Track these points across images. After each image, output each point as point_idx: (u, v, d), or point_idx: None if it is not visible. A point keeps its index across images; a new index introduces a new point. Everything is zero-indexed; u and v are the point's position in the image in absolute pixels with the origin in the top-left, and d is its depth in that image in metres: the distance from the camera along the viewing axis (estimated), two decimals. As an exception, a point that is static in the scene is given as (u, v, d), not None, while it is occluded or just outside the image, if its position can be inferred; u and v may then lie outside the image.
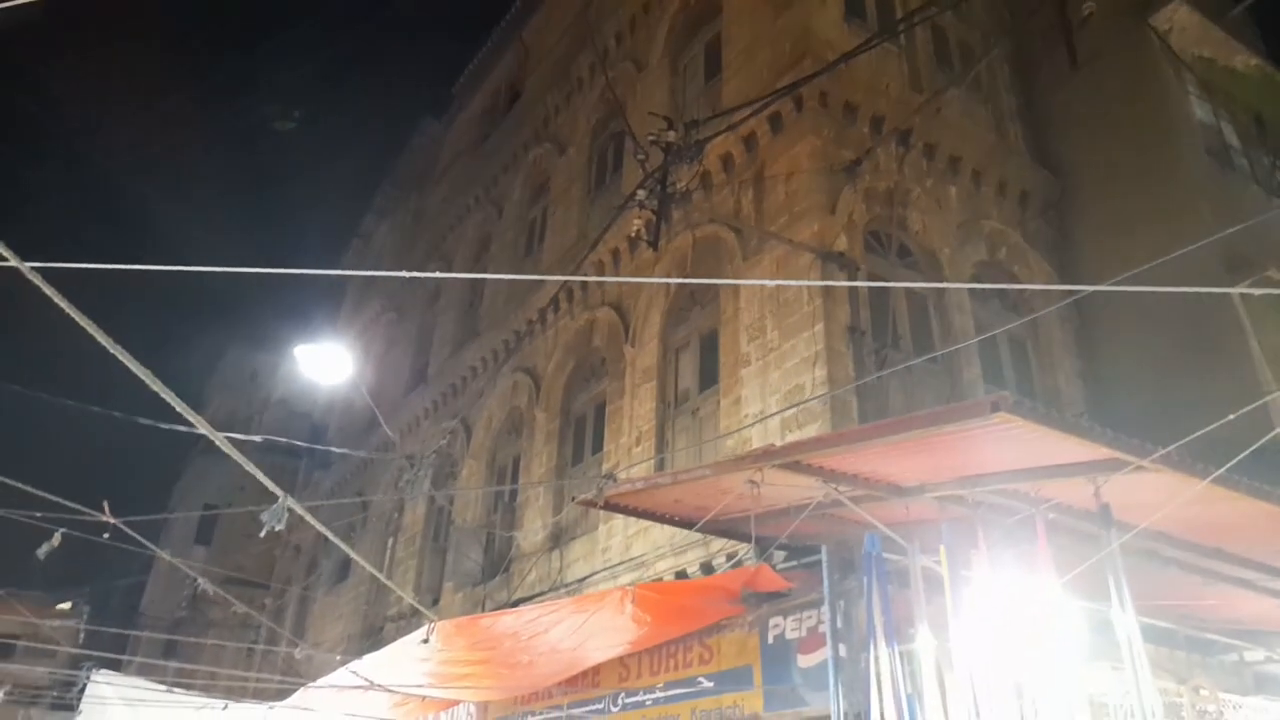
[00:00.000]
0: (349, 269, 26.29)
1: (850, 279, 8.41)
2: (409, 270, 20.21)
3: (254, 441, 10.58)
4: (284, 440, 8.28)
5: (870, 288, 8.58)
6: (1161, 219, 9.26)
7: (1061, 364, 9.36)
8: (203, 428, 3.18)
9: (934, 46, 11.01)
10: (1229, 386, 7.84)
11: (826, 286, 8.11)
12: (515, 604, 10.50)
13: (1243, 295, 8.05)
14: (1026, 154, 10.79)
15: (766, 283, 8.46)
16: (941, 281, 9.16)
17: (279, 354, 27.52)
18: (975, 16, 11.74)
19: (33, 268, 2.61)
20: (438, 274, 13.49)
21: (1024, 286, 9.50)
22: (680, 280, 10.12)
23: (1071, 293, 9.84)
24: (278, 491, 3.53)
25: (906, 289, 9.01)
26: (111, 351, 2.77)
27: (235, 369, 35.13)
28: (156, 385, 2.85)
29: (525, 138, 16.55)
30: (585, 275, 11.85)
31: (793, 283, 8.17)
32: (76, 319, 2.77)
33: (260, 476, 3.42)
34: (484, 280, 16.31)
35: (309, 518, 3.84)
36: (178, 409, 2.96)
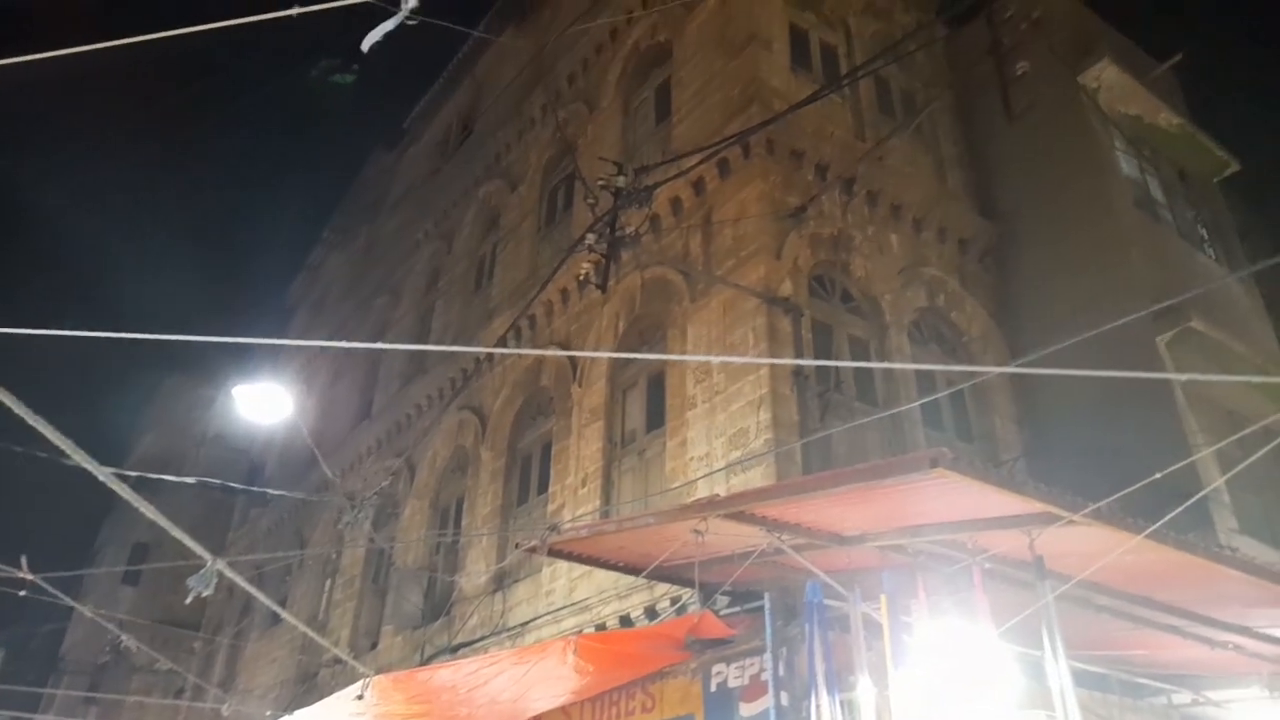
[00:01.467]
0: (297, 299, 25.88)
1: (794, 323, 8.54)
2: (358, 302, 19.95)
3: (187, 480, 10.26)
4: (216, 482, 8.03)
5: (813, 333, 8.72)
6: (1092, 268, 9.60)
7: (998, 407, 9.58)
8: (118, 488, 3.07)
9: (877, 95, 11.33)
10: (1157, 434, 8.10)
11: (772, 332, 8.22)
12: (456, 648, 10.29)
13: (1168, 345, 8.37)
14: (966, 201, 11.11)
15: (712, 358, 8.55)
16: (883, 327, 9.34)
17: (218, 387, 26.82)
18: (917, 68, 12.12)
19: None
20: (342, 345, 13.31)
21: (973, 369, 9.73)
22: (627, 355, 10.16)
23: (1009, 339, 10.12)
24: (205, 555, 3.41)
25: (849, 334, 9.17)
26: (21, 415, 2.68)
27: (173, 401, 34.07)
28: (73, 451, 2.75)
29: (477, 173, 16.54)
30: (522, 323, 11.82)
31: (735, 359, 8.26)
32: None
33: (187, 541, 3.31)
34: (432, 314, 16.18)
35: (240, 581, 3.72)
36: (91, 470, 2.86)
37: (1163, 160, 11.50)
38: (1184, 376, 7.43)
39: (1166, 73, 11.87)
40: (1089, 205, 10.07)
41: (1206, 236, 11.41)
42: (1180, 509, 4.56)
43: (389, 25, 2.45)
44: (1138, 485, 4.38)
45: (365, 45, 2.52)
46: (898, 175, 10.39)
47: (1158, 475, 4.05)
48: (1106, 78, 10.69)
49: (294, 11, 2.61)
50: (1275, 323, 10.63)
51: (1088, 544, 4.74)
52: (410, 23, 2.46)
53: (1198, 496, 4.62)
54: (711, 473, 7.88)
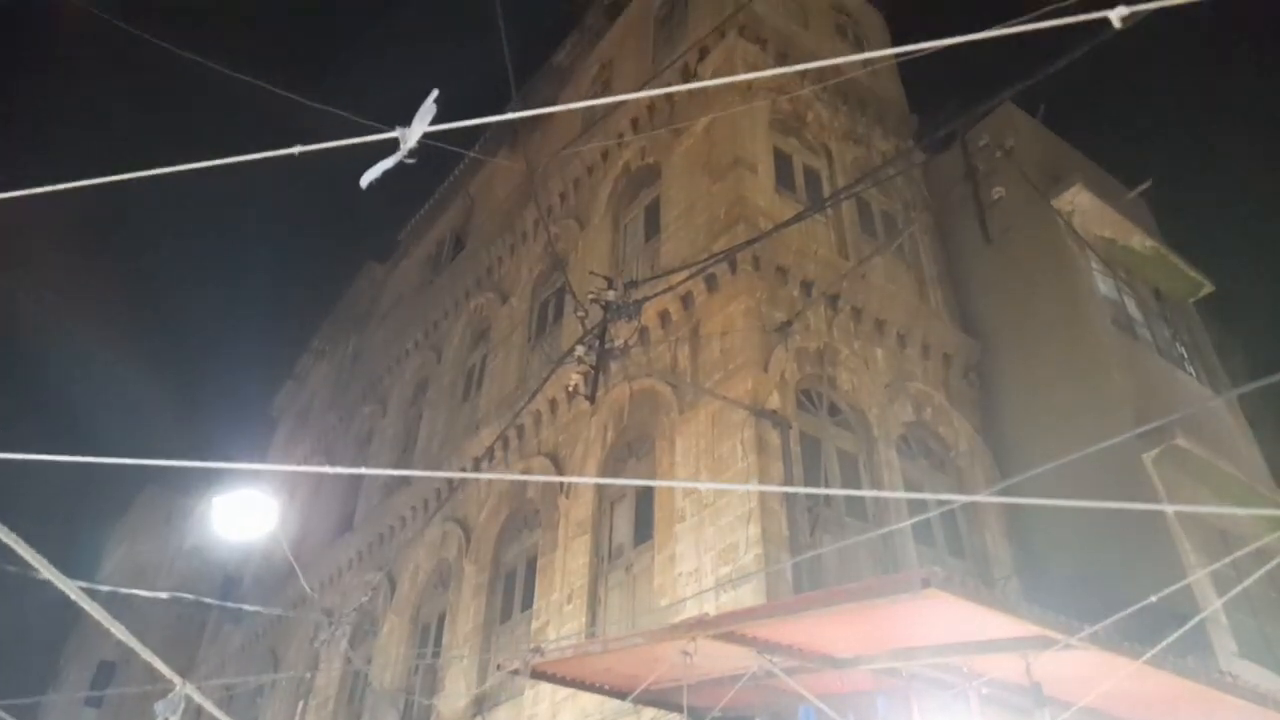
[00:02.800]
0: (282, 408, 25.77)
1: (783, 436, 8.54)
2: (339, 414, 19.86)
3: (160, 595, 9.93)
4: (190, 597, 7.79)
5: (801, 445, 8.71)
6: (1073, 385, 9.72)
7: (989, 524, 9.50)
8: (87, 604, 2.97)
9: (859, 216, 11.71)
10: (1150, 553, 8.02)
11: (760, 445, 8.21)
12: (433, 777, 9.78)
13: (1154, 462, 8.39)
14: (948, 318, 11.33)
15: (699, 485, 8.53)
16: (871, 440, 9.35)
17: (197, 496, 26.34)
18: (896, 190, 12.59)
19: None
20: (326, 469, 13.28)
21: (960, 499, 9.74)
22: (614, 481, 10.13)
23: (996, 453, 10.14)
24: (174, 678, 3.27)
25: (837, 448, 9.17)
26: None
27: (149, 512, 33.29)
28: (43, 565, 2.68)
29: (468, 285, 16.81)
30: (510, 434, 11.79)
31: (720, 486, 8.25)
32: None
33: (156, 662, 3.18)
34: (419, 424, 16.10)
35: (210, 706, 3.56)
36: (59, 585, 2.78)
37: (1138, 281, 11.83)
38: (1173, 508, 7.45)
39: (1137, 198, 12.36)
40: (1068, 324, 10.28)
41: (1185, 355, 11.62)
42: (1179, 633, 4.48)
43: (388, 163, 2.55)
44: (1134, 608, 4.31)
45: (364, 182, 2.61)
46: (880, 292, 10.62)
47: (1154, 598, 3.99)
48: (1079, 202, 11.11)
49: (295, 150, 2.71)
50: (1259, 441, 10.71)
51: (1086, 668, 4.62)
52: (409, 161, 2.56)
53: (1195, 620, 4.54)
54: (701, 591, 7.71)
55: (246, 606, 12.23)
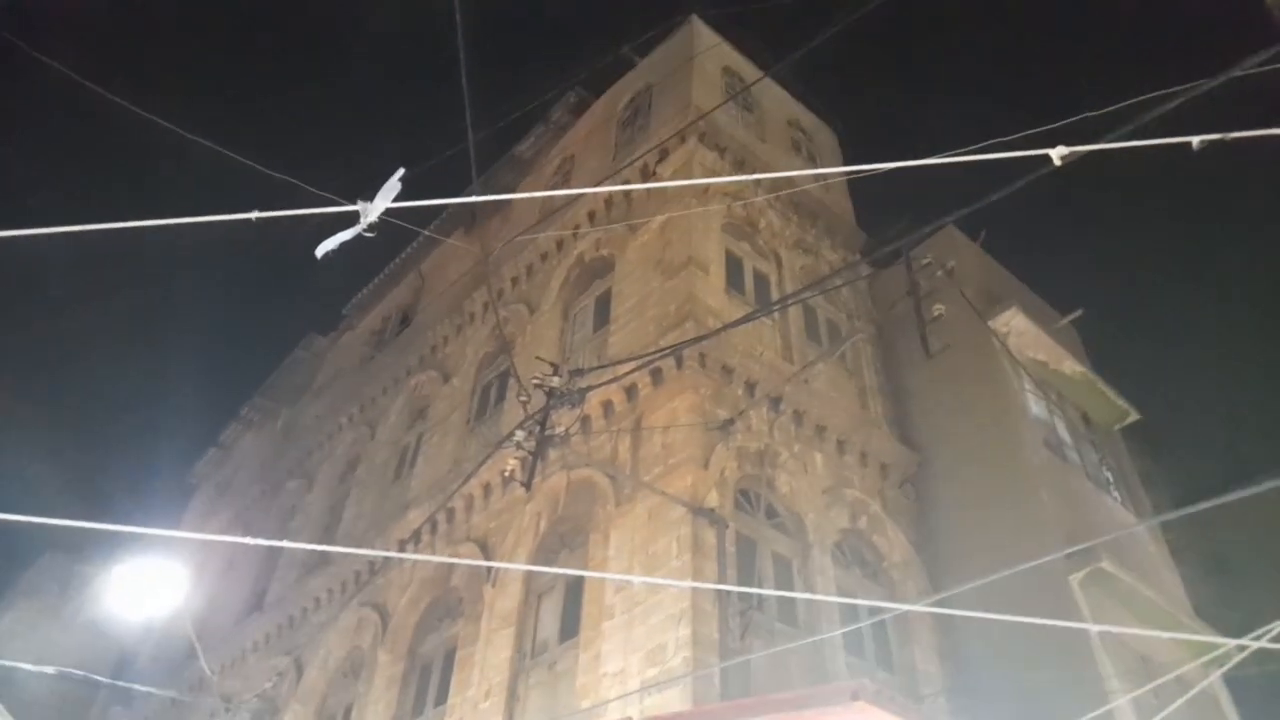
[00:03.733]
0: (202, 476, 24.77)
1: (719, 535, 8.44)
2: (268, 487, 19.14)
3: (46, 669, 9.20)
4: (79, 673, 7.23)
5: (737, 546, 8.60)
6: (1005, 502, 9.87)
7: (920, 638, 9.41)
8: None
9: (805, 322, 11.97)
10: (1073, 676, 8.01)
11: (696, 543, 8.09)
12: None
13: (1080, 584, 8.48)
14: (887, 428, 11.50)
15: (632, 579, 8.38)
16: (807, 546, 9.29)
17: (97, 565, 24.87)
18: (842, 300, 12.94)
19: None
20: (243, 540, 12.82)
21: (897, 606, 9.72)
22: (543, 569, 9.91)
23: (929, 567, 10.14)
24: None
25: (772, 551, 9.08)
26: None
27: (44, 578, 31.23)
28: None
29: (410, 362, 16.59)
30: (439, 517, 11.47)
31: (656, 580, 8.11)
32: None
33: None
34: (345, 502, 15.56)
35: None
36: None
37: (1068, 405, 12.22)
38: (1098, 628, 7.50)
39: (1069, 325, 12.89)
40: (1001, 442, 10.51)
41: (1111, 480, 11.94)
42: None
43: (347, 235, 2.51)
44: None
45: (320, 252, 2.57)
46: (822, 398, 10.76)
47: (1083, 721, 3.93)
48: (1015, 325, 11.54)
49: (253, 215, 2.66)
50: (1180, 571, 10.94)
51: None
52: (368, 235, 2.53)
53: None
54: (626, 694, 7.42)
55: (139, 687, 11.41)
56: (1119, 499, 11.68)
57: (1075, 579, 8.77)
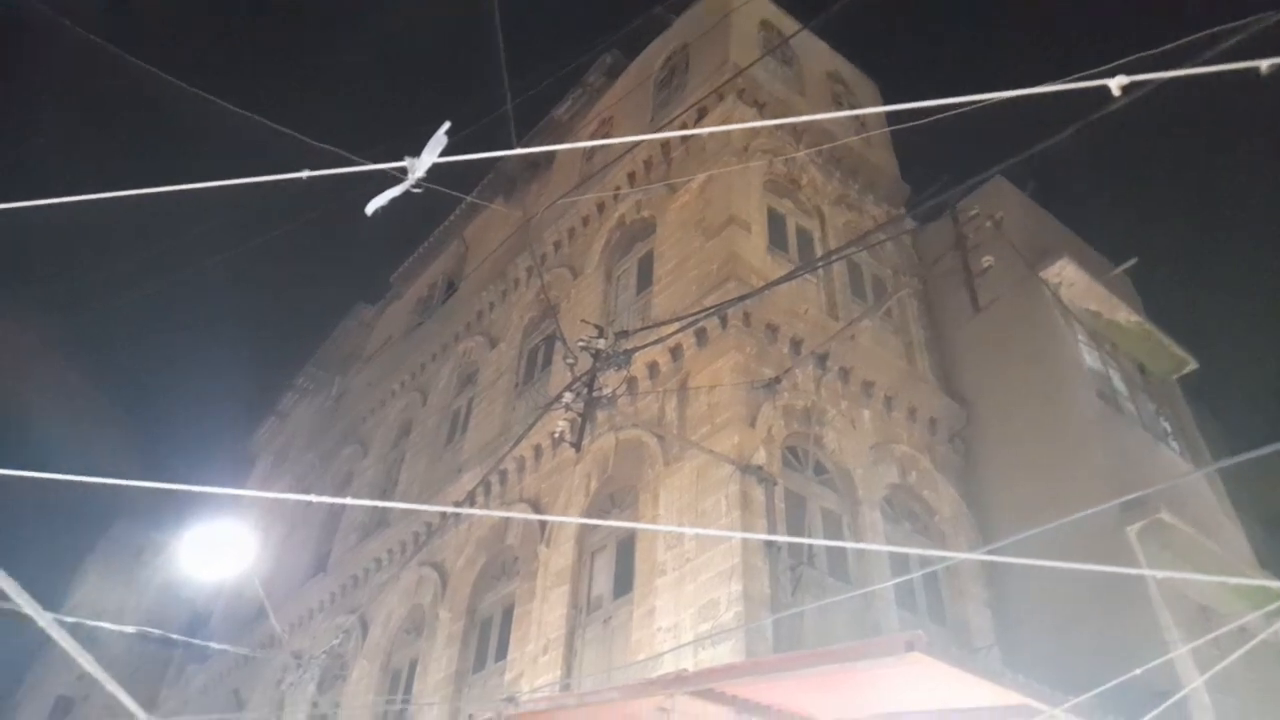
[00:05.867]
0: (261, 445, 25.52)
1: (767, 493, 8.51)
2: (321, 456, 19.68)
3: (126, 629, 9.68)
4: (156, 632, 7.60)
5: (786, 503, 8.67)
6: (1058, 455, 9.75)
7: (971, 592, 9.43)
8: (57, 634, 2.90)
9: (849, 279, 11.86)
10: (1130, 628, 7.97)
11: (744, 501, 8.17)
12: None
13: (1138, 536, 8.39)
14: (935, 383, 11.41)
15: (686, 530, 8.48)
16: (856, 501, 9.32)
17: (170, 531, 25.87)
18: (887, 256, 12.78)
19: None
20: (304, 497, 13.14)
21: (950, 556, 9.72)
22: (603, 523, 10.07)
23: (979, 521, 10.11)
24: (138, 712, 3.18)
25: (821, 507, 9.14)
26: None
27: (121, 544, 32.68)
28: (16, 593, 2.62)
29: (457, 329, 16.82)
30: (492, 479, 11.69)
31: (707, 532, 8.20)
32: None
33: (122, 696, 3.08)
34: (400, 467, 15.95)
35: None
36: (31, 614, 2.71)
37: (1123, 355, 11.97)
38: (1157, 573, 7.40)
39: (1123, 274, 12.58)
40: (1053, 395, 10.36)
41: (1169, 430, 11.71)
42: (1160, 709, 4.43)
43: (394, 192, 2.56)
44: (1116, 681, 4.26)
45: (370, 209, 2.62)
46: (868, 354, 10.70)
47: (1138, 671, 3.96)
48: (1066, 275, 11.29)
49: (304, 174, 2.73)
50: (1241, 521, 10.74)
51: (1068, 741, 4.55)
52: (415, 191, 2.58)
53: (1177, 697, 4.49)
54: (679, 647, 7.58)
55: (214, 645, 11.92)
56: (1177, 450, 11.47)
57: (1132, 531, 8.67)
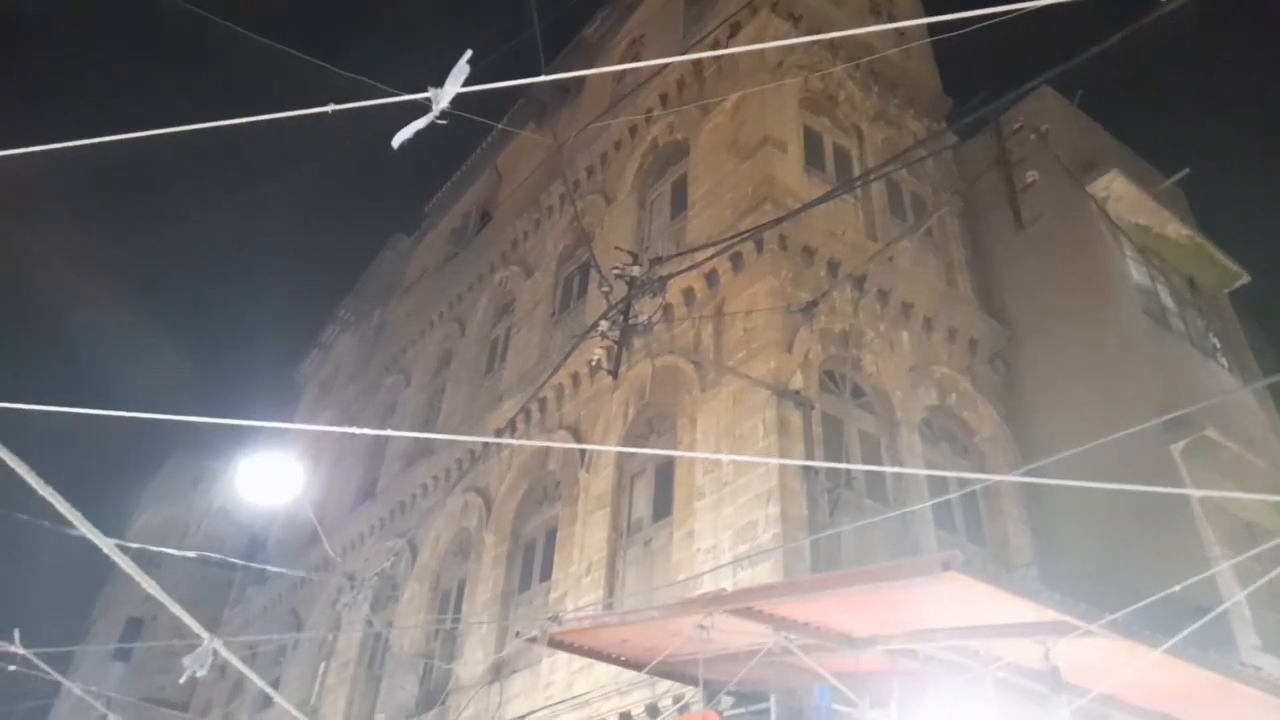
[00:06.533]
0: (307, 376, 26.07)
1: (804, 417, 8.53)
2: (364, 386, 20.06)
3: (188, 554, 10.15)
4: (216, 557, 7.93)
5: (823, 427, 8.70)
6: (1102, 374, 9.61)
7: (1009, 512, 9.45)
8: (122, 561, 3.04)
9: (888, 198, 11.60)
10: (1172, 545, 7.95)
11: (781, 425, 8.20)
12: (449, 742, 9.95)
13: (1183, 453, 8.30)
14: (975, 303, 11.22)
15: (722, 457, 8.54)
16: (894, 424, 9.31)
17: (225, 460, 26.74)
18: (927, 173, 12.44)
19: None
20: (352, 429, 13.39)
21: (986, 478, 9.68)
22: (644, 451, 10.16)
23: (1020, 441, 10.06)
24: (203, 633, 3.35)
25: (859, 430, 9.15)
26: (26, 479, 2.69)
27: (178, 474, 33.93)
28: (81, 522, 2.75)
29: (493, 259, 16.85)
30: (532, 407, 11.85)
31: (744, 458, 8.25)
32: None
33: (186, 618, 3.25)
34: (441, 396, 16.23)
35: (236, 662, 3.64)
36: (96, 541, 2.85)
37: (1172, 270, 11.63)
38: (1201, 492, 7.34)
39: (1173, 186, 12.13)
40: (1098, 311, 10.14)
41: (1218, 346, 11.44)
42: (1199, 624, 4.44)
43: (420, 124, 2.54)
44: (1155, 597, 4.28)
45: (396, 142, 2.61)
46: (907, 275, 10.53)
47: (1177, 588, 3.97)
48: (1114, 189, 10.92)
49: (329, 108, 2.71)
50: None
51: (1104, 657, 4.61)
52: (441, 122, 2.55)
53: (1217, 611, 4.51)
54: (718, 568, 7.75)
55: (271, 568, 12.44)
56: (1226, 366, 11.21)
57: (1176, 449, 8.57)
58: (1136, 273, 10.90)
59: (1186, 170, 12.19)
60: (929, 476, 8.92)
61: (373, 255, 24.48)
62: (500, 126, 18.15)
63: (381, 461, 16.85)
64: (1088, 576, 7.95)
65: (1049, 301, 10.67)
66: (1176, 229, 11.51)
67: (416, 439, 15.66)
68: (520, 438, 12.26)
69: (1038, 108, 11.74)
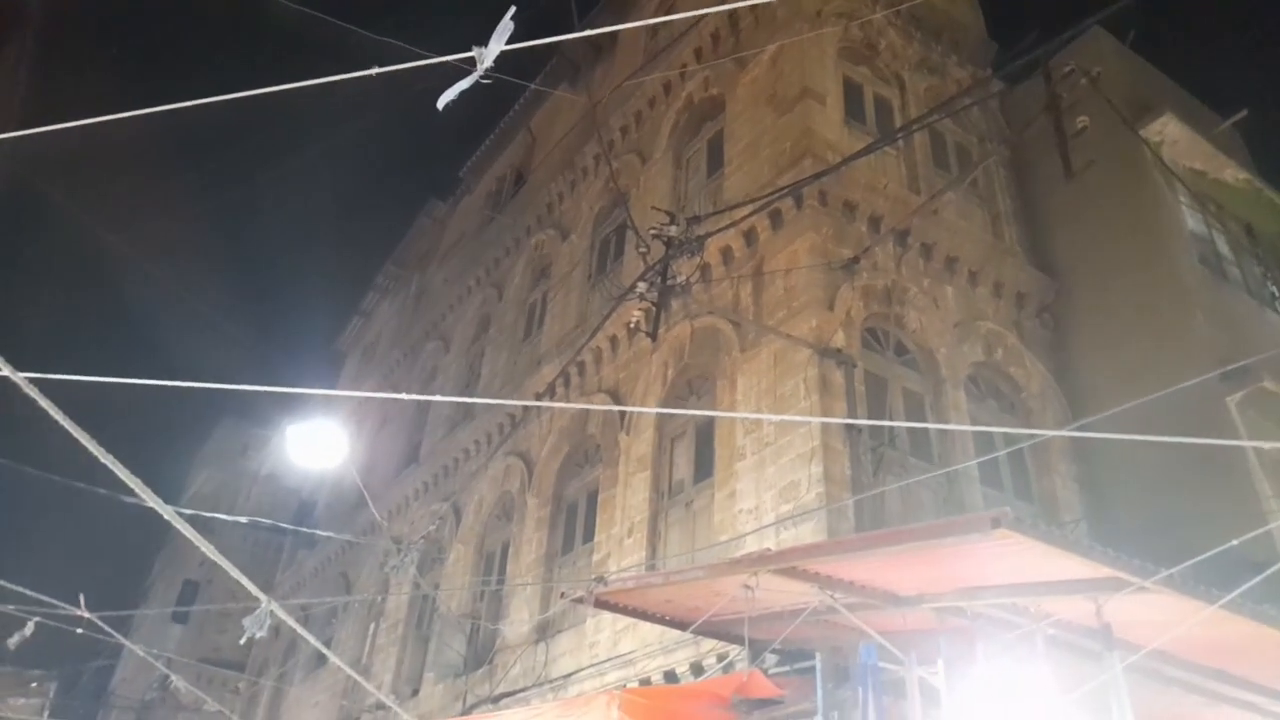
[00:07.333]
0: (349, 344, 26.43)
1: (846, 375, 8.42)
2: (403, 353, 20.27)
3: (240, 519, 10.41)
4: (267, 521, 8.12)
5: (866, 385, 8.58)
6: (1155, 326, 9.34)
7: (1058, 468, 9.29)
8: (182, 526, 3.10)
9: (932, 149, 11.29)
10: (1227, 497, 7.76)
11: (823, 384, 8.11)
12: (498, 698, 10.16)
13: (1239, 406, 8.06)
14: (1022, 256, 10.94)
15: (764, 417, 8.46)
16: (939, 381, 9.16)
17: (272, 427, 27.31)
18: (972, 122, 12.08)
19: (28, 378, 2.61)
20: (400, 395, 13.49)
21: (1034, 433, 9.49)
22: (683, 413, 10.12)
23: (1069, 396, 9.85)
24: (260, 596, 3.42)
25: (903, 388, 9.02)
26: (89, 447, 2.74)
27: (227, 441, 34.83)
28: (141, 489, 2.80)
29: (529, 222, 16.81)
30: (571, 370, 11.87)
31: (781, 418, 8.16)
32: (50, 411, 2.76)
33: (244, 581, 3.32)
34: (481, 361, 16.35)
35: (292, 623, 3.72)
36: (156, 508, 2.90)
37: (1229, 216, 11.21)
38: (1258, 444, 7.12)
39: (1231, 128, 11.65)
40: (1151, 261, 9.83)
41: (1277, 294, 11.05)
42: (1258, 579, 4.32)
43: (464, 84, 2.50)
44: (1211, 552, 4.17)
45: (441, 103, 2.57)
46: (952, 229, 10.29)
47: (1235, 542, 3.85)
48: (1169, 133, 10.52)
49: (373, 71, 2.68)
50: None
51: (1158, 613, 4.51)
52: (485, 82, 2.50)
53: (1275, 568, 4.37)
54: (761, 528, 7.73)
55: (320, 532, 12.73)
56: (1285, 315, 10.83)
57: (1232, 401, 8.32)
58: (1192, 220, 10.53)
59: (1244, 112, 11.69)
60: (975, 434, 8.77)
61: (410, 221, 24.61)
62: (534, 87, 17.99)
63: (424, 427, 17.08)
64: (1138, 532, 7.80)
65: (1099, 252, 10.36)
66: (1234, 173, 11.08)
67: (456, 405, 15.82)
68: (560, 401, 12.31)
69: (1089, 50, 11.28)
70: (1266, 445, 7.17)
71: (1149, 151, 10.31)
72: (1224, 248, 10.70)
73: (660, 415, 10.16)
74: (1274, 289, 11.11)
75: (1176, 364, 8.66)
